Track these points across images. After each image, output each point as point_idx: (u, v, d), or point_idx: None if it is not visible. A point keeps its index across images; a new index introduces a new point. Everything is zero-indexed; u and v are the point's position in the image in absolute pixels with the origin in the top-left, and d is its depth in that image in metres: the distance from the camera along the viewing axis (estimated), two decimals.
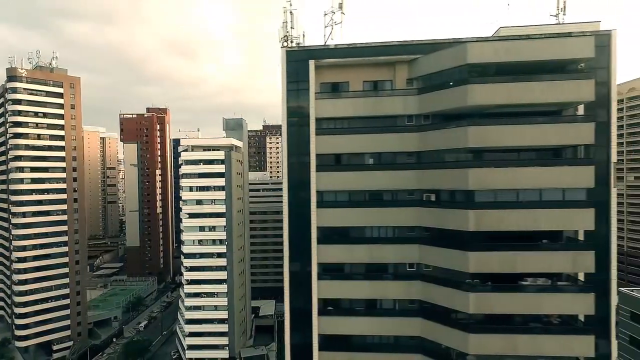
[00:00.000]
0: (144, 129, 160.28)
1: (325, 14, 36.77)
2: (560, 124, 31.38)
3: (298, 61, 35.35)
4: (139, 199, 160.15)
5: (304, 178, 35.55)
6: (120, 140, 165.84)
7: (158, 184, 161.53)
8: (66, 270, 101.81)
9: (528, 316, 33.25)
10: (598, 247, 32.26)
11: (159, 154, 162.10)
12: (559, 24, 42.04)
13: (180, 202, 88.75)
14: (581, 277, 33.45)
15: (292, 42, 36.75)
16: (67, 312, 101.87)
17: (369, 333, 36.36)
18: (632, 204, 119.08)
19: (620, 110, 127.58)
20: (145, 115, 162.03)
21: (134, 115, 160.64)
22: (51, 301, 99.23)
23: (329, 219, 36.22)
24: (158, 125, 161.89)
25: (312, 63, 35.15)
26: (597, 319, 32.54)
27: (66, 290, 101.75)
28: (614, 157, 33.17)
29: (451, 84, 32.34)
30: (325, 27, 36.98)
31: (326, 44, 36.22)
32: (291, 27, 36.98)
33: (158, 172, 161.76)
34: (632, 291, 51.01)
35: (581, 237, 33.24)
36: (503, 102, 31.22)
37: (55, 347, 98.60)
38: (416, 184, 35.02)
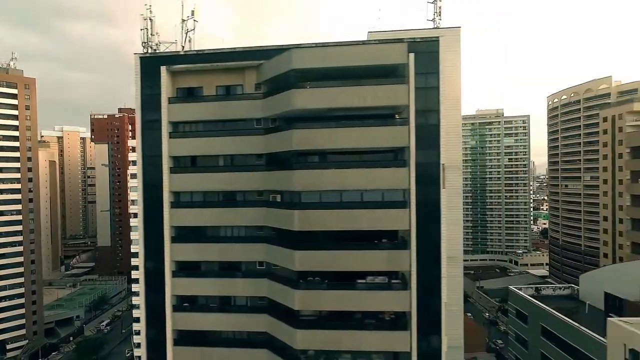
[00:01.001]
0: (115, 129, 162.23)
1: (183, 21, 38.23)
2: (377, 127, 32.56)
3: (152, 67, 36.74)
4: (110, 199, 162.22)
5: (157, 179, 36.95)
6: (92, 141, 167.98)
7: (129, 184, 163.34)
8: (21, 269, 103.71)
9: (367, 313, 34.50)
10: (428, 246, 33.64)
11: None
12: (435, 28, 43.56)
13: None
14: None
15: (150, 48, 38.22)
16: (22, 311, 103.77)
17: (222, 329, 37.75)
18: (588, 203, 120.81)
19: (577, 110, 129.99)
20: (117, 116, 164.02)
21: (105, 116, 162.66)
22: (4, 301, 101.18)
23: (184, 218, 37.66)
24: (130, 126, 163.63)
25: (163, 69, 36.56)
26: (427, 316, 33.86)
27: (21, 290, 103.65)
28: (442, 159, 34.40)
29: (282, 88, 33.66)
30: (187, 32, 38.44)
31: (179, 50, 37.64)
32: (151, 34, 38.45)
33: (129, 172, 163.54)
34: (520, 289, 52.11)
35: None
36: (328, 106, 32.54)
37: (9, 347, 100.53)
38: (263, 185, 36.36)
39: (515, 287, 52.65)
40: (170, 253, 37.26)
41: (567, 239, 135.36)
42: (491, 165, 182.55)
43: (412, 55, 34.00)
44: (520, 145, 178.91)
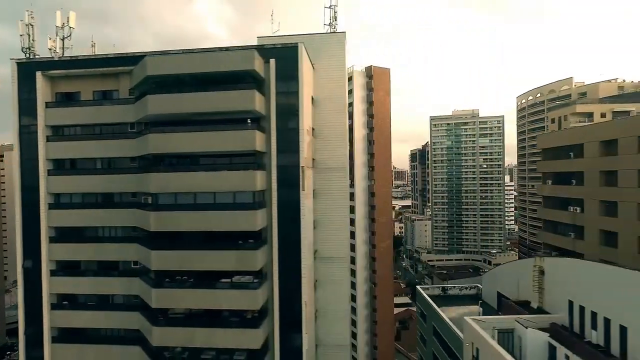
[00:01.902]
0: None
1: (58, 27, 39.33)
2: (229, 131, 33.43)
3: (28, 72, 37.83)
4: None
5: (35, 181, 38.04)
6: None
7: None
8: None
9: (234, 311, 35.41)
10: (288, 246, 34.71)
11: None
12: (330, 32, 44.57)
13: None
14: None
15: (32, 54, 39.36)
16: None
17: (98, 326, 38.78)
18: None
19: (541, 111, 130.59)
20: None
21: None
22: None
23: (63, 219, 38.76)
24: None
25: (39, 74, 37.64)
26: (288, 315, 34.91)
27: None
28: (302, 162, 35.34)
29: (144, 94, 34.69)
30: (63, 39, 39.53)
31: (53, 56, 38.74)
32: (32, 40, 39.58)
33: None
34: (427, 289, 52.92)
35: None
36: (180, 111, 33.56)
37: None
38: (137, 187, 37.37)
39: (422, 287, 53.45)
40: (49, 253, 38.35)
41: (533, 239, 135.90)
42: (466, 166, 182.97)
43: (272, 60, 35.05)
44: (495, 146, 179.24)
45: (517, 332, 33.18)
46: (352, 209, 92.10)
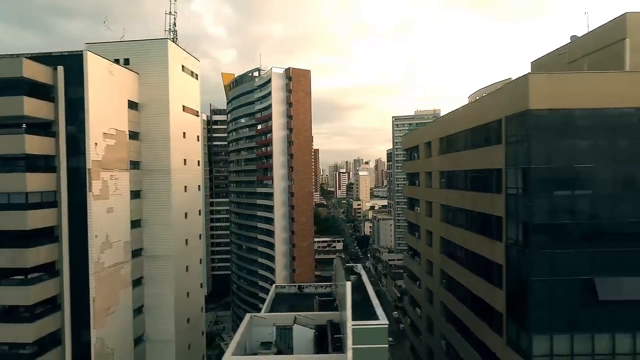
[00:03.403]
0: None
1: None
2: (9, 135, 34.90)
3: None
4: None
5: None
6: None
7: None
8: None
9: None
10: (76, 245, 36.42)
11: None
12: (152, 40, 46.04)
13: None
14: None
15: None
16: None
17: None
18: None
19: None
20: None
21: None
22: None
23: None
24: None
25: None
26: (78, 311, 36.55)
27: None
28: (89, 164, 36.94)
29: None
30: None
31: None
32: None
33: None
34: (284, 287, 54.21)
35: None
36: None
37: None
38: None
39: (279, 285, 54.74)
40: None
41: None
42: None
43: (61, 68, 36.68)
44: None
45: (293, 329, 34.68)
46: (270, 209, 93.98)
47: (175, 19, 49.20)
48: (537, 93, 24.53)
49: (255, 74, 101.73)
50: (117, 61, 43.60)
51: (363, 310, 29.49)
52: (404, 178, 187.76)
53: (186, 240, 48.77)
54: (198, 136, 52.61)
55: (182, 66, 47.90)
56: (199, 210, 53.13)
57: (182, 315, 47.47)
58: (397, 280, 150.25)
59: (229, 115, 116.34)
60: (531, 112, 24.67)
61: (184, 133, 48.30)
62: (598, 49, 30.72)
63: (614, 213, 24.77)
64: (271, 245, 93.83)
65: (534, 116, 24.74)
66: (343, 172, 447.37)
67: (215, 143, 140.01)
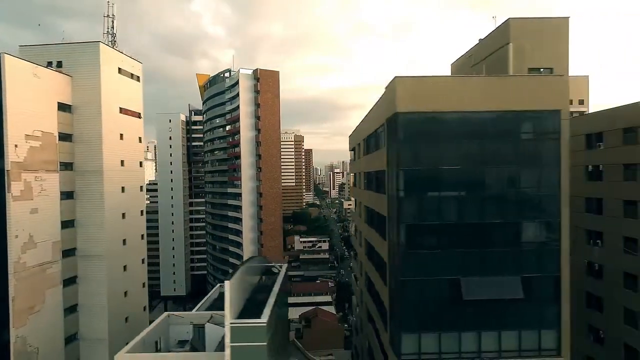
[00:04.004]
0: None
1: None
2: None
3: None
4: None
5: None
6: None
7: None
8: None
9: None
10: None
11: None
12: (85, 43, 46.74)
13: None
14: None
15: None
16: None
17: None
18: None
19: None
20: None
21: None
22: None
23: None
24: None
25: None
26: None
27: None
28: (7, 166, 37.65)
29: None
30: None
31: None
32: None
33: None
34: None
35: None
36: None
37: None
38: None
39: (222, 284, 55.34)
40: None
41: None
42: None
43: None
44: None
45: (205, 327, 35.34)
46: (239, 209, 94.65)
47: (113, 21, 49.80)
48: (403, 96, 25.01)
49: (227, 74, 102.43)
50: (50, 64, 44.33)
51: (256, 309, 29.97)
52: None
53: (124, 240, 49.39)
54: (140, 138, 53.22)
55: (119, 68, 48.53)
56: (141, 211, 53.76)
57: (119, 314, 48.06)
58: None
59: (204, 116, 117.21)
60: (399, 115, 25.16)
61: (122, 135, 48.92)
62: (491, 53, 31.24)
63: (478, 214, 25.24)
64: (240, 246, 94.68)
65: (403, 119, 25.23)
66: (338, 172, 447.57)
67: (194, 144, 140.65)
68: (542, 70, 29.12)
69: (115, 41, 49.63)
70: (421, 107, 24.87)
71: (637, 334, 33.79)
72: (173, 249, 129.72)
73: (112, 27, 49.34)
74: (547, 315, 25.25)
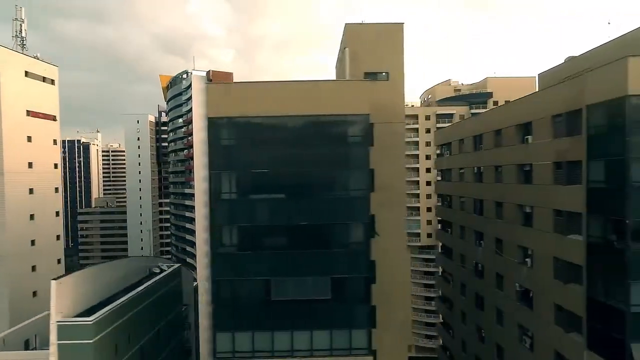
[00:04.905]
0: None
1: None
2: None
3: None
4: None
5: None
6: None
7: None
8: None
9: None
10: None
11: None
12: None
13: None
14: None
15: None
16: None
17: None
18: None
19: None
20: None
21: None
22: None
23: None
24: None
25: None
26: None
27: None
28: None
29: None
30: None
31: None
32: None
33: None
34: None
35: None
36: None
37: None
38: None
39: None
40: None
41: None
42: None
43: None
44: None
45: None
46: (192, 209, 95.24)
47: (22, 24, 50.22)
48: (212, 102, 25.57)
49: (184, 76, 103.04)
50: None
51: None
52: None
53: (32, 241, 49.96)
54: (55, 140, 53.79)
55: (26, 72, 49.11)
56: (57, 212, 54.24)
57: (25, 315, 48.55)
58: None
59: (167, 117, 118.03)
60: (211, 120, 25.70)
61: (29, 137, 49.49)
62: (339, 57, 31.62)
63: (287, 217, 25.68)
64: (194, 245, 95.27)
65: (212, 124, 25.82)
66: None
67: (164, 144, 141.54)
68: (383, 74, 29.27)
69: (24, 44, 50.14)
70: (229, 113, 25.33)
71: (503, 332, 34.60)
72: (142, 249, 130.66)
73: (21, 31, 49.82)
74: (357, 315, 25.64)
